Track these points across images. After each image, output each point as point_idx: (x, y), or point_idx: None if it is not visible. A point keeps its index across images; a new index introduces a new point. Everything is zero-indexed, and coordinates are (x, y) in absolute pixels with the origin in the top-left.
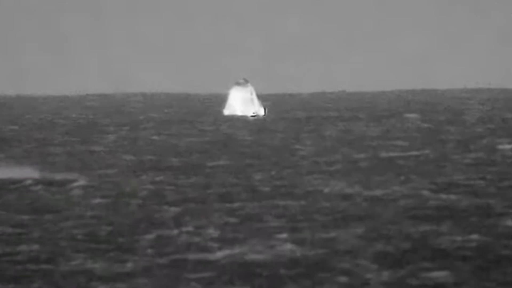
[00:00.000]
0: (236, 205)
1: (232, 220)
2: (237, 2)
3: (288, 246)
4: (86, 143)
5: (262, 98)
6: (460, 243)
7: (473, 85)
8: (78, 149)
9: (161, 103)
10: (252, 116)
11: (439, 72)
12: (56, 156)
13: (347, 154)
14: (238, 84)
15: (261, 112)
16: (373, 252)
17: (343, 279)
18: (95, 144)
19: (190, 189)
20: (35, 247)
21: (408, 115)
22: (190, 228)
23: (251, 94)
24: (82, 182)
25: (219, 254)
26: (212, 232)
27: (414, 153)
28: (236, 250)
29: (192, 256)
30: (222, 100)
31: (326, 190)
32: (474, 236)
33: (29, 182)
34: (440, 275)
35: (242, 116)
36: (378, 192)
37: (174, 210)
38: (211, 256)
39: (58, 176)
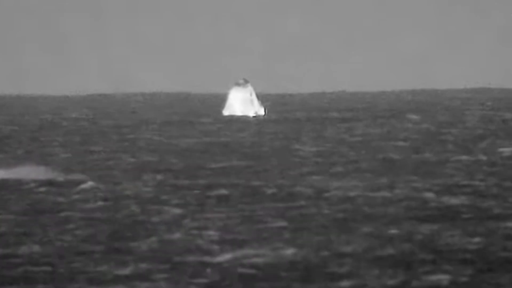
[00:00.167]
0: (237, 206)
1: (233, 222)
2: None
3: (290, 248)
4: (86, 144)
5: (262, 98)
6: (462, 245)
7: (473, 85)
8: (78, 150)
9: (161, 103)
10: (252, 116)
11: (439, 72)
12: (57, 157)
13: (348, 155)
14: (237, 84)
15: (261, 112)
16: (375, 254)
17: (345, 283)
18: (95, 144)
19: (192, 191)
20: (36, 248)
21: (408, 115)
22: (191, 230)
23: (251, 94)
24: (84, 183)
25: (220, 257)
26: (213, 234)
27: (415, 154)
28: (237, 252)
29: (193, 258)
30: (222, 100)
31: (328, 191)
32: (476, 239)
33: (31, 182)
34: (442, 277)
35: (242, 117)
36: (379, 194)
37: (175, 211)
38: (212, 259)
39: (60, 177)
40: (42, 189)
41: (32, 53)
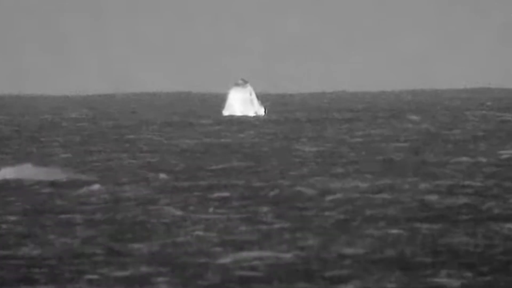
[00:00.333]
0: (237, 208)
1: (234, 223)
2: (237, 2)
3: (290, 250)
4: (86, 144)
5: (262, 98)
6: (464, 247)
7: (473, 85)
8: (78, 150)
9: (161, 103)
10: (252, 116)
11: (439, 72)
12: (57, 157)
13: (349, 156)
14: (236, 85)
15: (261, 112)
16: (377, 256)
17: (346, 285)
18: (95, 145)
19: (192, 192)
20: (36, 250)
21: (409, 116)
22: (191, 232)
23: (251, 94)
24: (84, 184)
25: (220, 259)
26: (214, 235)
27: (415, 155)
28: (238, 254)
29: (193, 260)
30: (222, 100)
31: (328, 192)
32: (477, 240)
33: (31, 183)
34: (444, 280)
35: (242, 117)
36: (380, 195)
37: (175, 213)
38: (213, 261)
39: (61, 178)
40: (43, 189)
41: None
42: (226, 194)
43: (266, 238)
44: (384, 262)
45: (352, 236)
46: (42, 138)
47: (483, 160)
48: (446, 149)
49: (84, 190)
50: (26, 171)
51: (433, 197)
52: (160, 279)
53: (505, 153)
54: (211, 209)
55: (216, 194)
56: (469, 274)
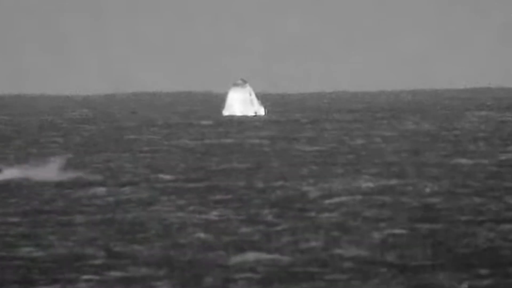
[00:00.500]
0: (239, 209)
1: (235, 224)
2: (237, 2)
3: (293, 252)
4: (86, 144)
5: (262, 98)
6: (466, 247)
7: (473, 85)
8: (79, 151)
9: (161, 103)
10: (252, 116)
11: (439, 72)
12: (58, 157)
13: (349, 156)
14: (236, 85)
15: (261, 111)
16: (378, 258)
17: None
18: (96, 145)
19: (195, 194)
20: (36, 251)
21: (409, 116)
22: (192, 234)
23: (250, 94)
24: (85, 184)
25: (221, 260)
26: (215, 237)
27: (415, 155)
28: (239, 256)
29: (195, 262)
30: (222, 100)
31: (329, 193)
32: (479, 241)
33: (32, 183)
34: (446, 281)
35: (242, 117)
36: (381, 196)
37: (176, 214)
38: (214, 262)
39: (61, 178)
40: (43, 190)
41: (32, 53)
42: (227, 195)
43: (267, 240)
44: (386, 264)
45: (353, 238)
46: (42, 138)
47: (484, 161)
48: (447, 150)
49: (84, 191)
50: (27, 172)
51: (434, 199)
52: (161, 280)
53: (506, 154)
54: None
55: (217, 196)
56: (472, 274)
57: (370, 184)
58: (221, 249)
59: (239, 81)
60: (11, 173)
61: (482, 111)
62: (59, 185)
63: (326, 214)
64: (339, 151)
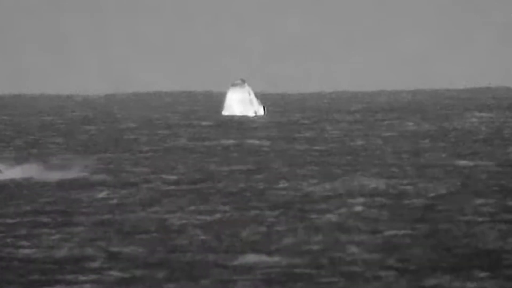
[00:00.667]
0: (240, 211)
1: (236, 226)
2: (237, 2)
3: (291, 254)
4: (87, 145)
5: (262, 98)
6: (475, 250)
7: (473, 85)
8: (79, 151)
9: (161, 104)
10: (252, 116)
11: (439, 72)
12: (58, 158)
13: (349, 157)
14: (234, 85)
15: (260, 111)
16: (380, 259)
17: None
18: (96, 145)
19: (195, 194)
20: (35, 251)
21: (409, 116)
22: (194, 236)
23: (249, 94)
24: (86, 184)
25: (223, 262)
26: (216, 239)
27: (416, 156)
28: (241, 258)
29: (196, 264)
30: (222, 100)
31: (331, 194)
32: (487, 243)
33: (33, 183)
34: (451, 284)
35: (242, 117)
36: (382, 198)
37: (178, 215)
38: (214, 265)
39: (62, 179)
40: (44, 190)
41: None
42: (227, 196)
43: (268, 241)
44: (387, 266)
45: (354, 239)
46: (42, 138)
47: (485, 161)
48: (447, 150)
49: (84, 191)
50: (28, 172)
51: (434, 200)
52: (160, 281)
53: (506, 155)
54: None
55: (218, 196)
56: (479, 276)
57: (371, 185)
58: (222, 251)
59: (238, 81)
60: (11, 173)
61: (483, 111)
62: (58, 185)
63: (327, 215)
64: (339, 152)
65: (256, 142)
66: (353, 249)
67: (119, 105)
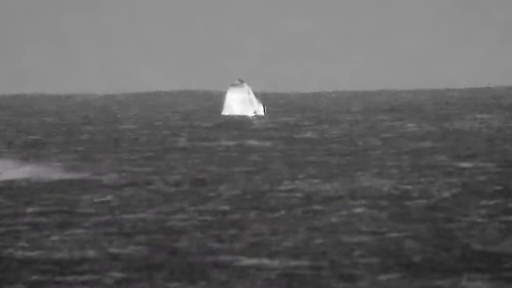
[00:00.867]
0: (242, 212)
1: (236, 228)
2: (237, 2)
3: (297, 253)
4: (87, 145)
5: (262, 98)
6: (476, 251)
7: (473, 85)
8: (79, 151)
9: (161, 103)
10: (252, 115)
11: (439, 72)
12: (59, 158)
13: (350, 157)
14: (233, 85)
15: (260, 111)
16: (388, 265)
17: None
18: (96, 145)
19: (196, 195)
20: (35, 252)
21: (409, 117)
22: (196, 239)
23: (248, 93)
24: (86, 185)
25: (222, 264)
26: (216, 240)
27: (416, 157)
28: (243, 261)
29: (198, 265)
30: (222, 100)
31: (332, 195)
32: (488, 244)
33: (35, 184)
34: (446, 283)
35: (242, 117)
36: (385, 198)
37: (179, 217)
38: (214, 266)
39: (62, 179)
40: (43, 191)
41: (32, 53)
42: (228, 197)
43: (269, 243)
44: (388, 267)
45: (355, 239)
46: (42, 139)
47: (485, 162)
48: (447, 150)
49: (84, 191)
50: (28, 173)
51: (435, 201)
52: (160, 282)
53: (507, 155)
54: None
55: (218, 197)
56: (484, 277)
57: (371, 186)
58: (222, 252)
59: (237, 81)
60: (12, 173)
61: (483, 112)
62: (58, 186)
63: (328, 216)
64: (340, 152)
65: (256, 142)
66: (354, 250)
67: (119, 105)
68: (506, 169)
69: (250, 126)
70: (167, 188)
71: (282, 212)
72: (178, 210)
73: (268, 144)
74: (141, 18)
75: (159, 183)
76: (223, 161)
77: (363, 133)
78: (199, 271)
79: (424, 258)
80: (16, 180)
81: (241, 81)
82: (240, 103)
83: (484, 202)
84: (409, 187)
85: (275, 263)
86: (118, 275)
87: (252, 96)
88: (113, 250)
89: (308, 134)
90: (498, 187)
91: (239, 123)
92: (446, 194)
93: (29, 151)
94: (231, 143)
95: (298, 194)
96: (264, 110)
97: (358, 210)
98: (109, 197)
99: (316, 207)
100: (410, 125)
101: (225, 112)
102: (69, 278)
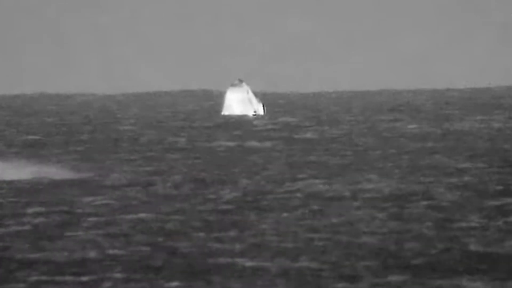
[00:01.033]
0: (242, 212)
1: (236, 229)
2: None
3: (298, 254)
4: (87, 145)
5: (261, 98)
6: (480, 252)
7: (473, 85)
8: (79, 151)
9: (161, 103)
10: (252, 115)
11: (439, 72)
12: (59, 158)
13: (352, 158)
14: (233, 85)
15: (260, 110)
16: (389, 265)
17: None
18: (96, 145)
19: (196, 196)
20: (34, 252)
21: (409, 117)
22: (196, 237)
23: (248, 93)
24: (86, 185)
25: (222, 265)
26: (216, 241)
27: (416, 157)
28: (239, 262)
29: (201, 267)
30: (222, 100)
31: (333, 196)
32: (491, 245)
33: (36, 184)
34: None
35: (241, 116)
36: (388, 199)
37: (180, 217)
38: (214, 267)
39: (64, 179)
40: (42, 191)
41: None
42: (228, 197)
43: (269, 243)
44: (390, 267)
45: (356, 240)
46: (42, 139)
47: (486, 162)
48: (447, 151)
49: (84, 192)
50: (28, 173)
51: (435, 201)
52: (160, 283)
53: (507, 155)
54: None
55: (219, 198)
56: (485, 278)
57: (372, 186)
58: (223, 253)
59: (236, 81)
60: (12, 174)
61: (483, 112)
62: (58, 186)
63: (328, 217)
64: (340, 152)
65: (256, 142)
66: (354, 251)
67: (119, 105)
68: (506, 169)
69: (250, 126)
70: (167, 189)
71: (282, 212)
72: (178, 210)
73: (268, 144)
74: (141, 18)
75: (159, 183)
76: (223, 162)
77: (363, 133)
78: (199, 271)
79: (424, 258)
80: (16, 181)
81: (240, 81)
82: (240, 103)
83: (484, 202)
84: (409, 187)
85: (276, 263)
86: (118, 275)
87: (251, 95)
88: (113, 250)
89: (308, 134)
90: (499, 187)
91: (239, 123)
92: (446, 194)
93: (29, 151)
94: (231, 143)
95: (299, 195)
96: (264, 109)
97: (358, 210)
98: (109, 198)
99: (316, 207)
100: (410, 125)
101: (225, 112)
102: (69, 278)
